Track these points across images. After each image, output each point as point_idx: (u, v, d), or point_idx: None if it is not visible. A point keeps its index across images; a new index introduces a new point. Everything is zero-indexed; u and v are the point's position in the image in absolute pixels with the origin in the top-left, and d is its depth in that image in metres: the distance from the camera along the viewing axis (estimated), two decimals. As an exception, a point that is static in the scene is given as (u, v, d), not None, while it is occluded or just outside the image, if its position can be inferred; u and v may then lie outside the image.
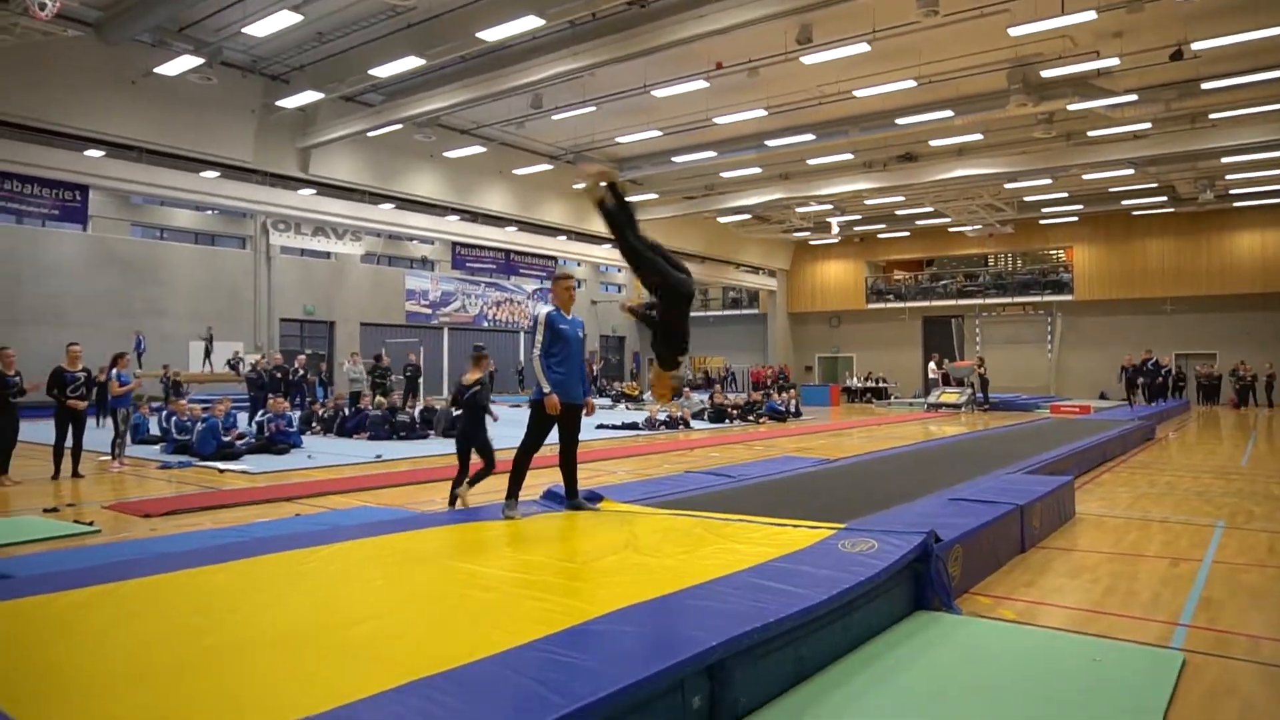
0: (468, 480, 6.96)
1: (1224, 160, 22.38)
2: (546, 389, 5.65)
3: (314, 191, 21.90)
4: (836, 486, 7.40)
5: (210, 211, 27.13)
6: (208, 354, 24.12)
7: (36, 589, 3.71)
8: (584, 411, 6.00)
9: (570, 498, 6.01)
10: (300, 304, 29.21)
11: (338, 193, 22.26)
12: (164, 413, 13.89)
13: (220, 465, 10.92)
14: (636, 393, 27.80)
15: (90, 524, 6.86)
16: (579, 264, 35.79)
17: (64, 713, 2.44)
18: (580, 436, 5.98)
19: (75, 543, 6.15)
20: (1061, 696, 3.33)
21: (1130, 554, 5.98)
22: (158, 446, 12.85)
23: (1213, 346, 29.67)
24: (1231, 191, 26.63)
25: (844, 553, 4.36)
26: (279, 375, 17.28)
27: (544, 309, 5.87)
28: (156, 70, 16.07)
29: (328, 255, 29.76)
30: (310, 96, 17.82)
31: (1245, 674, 3.67)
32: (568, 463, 5.98)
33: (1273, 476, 10.33)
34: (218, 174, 19.81)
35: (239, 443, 12.22)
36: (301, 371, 18.42)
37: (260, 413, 14.02)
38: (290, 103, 18.20)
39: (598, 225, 24.97)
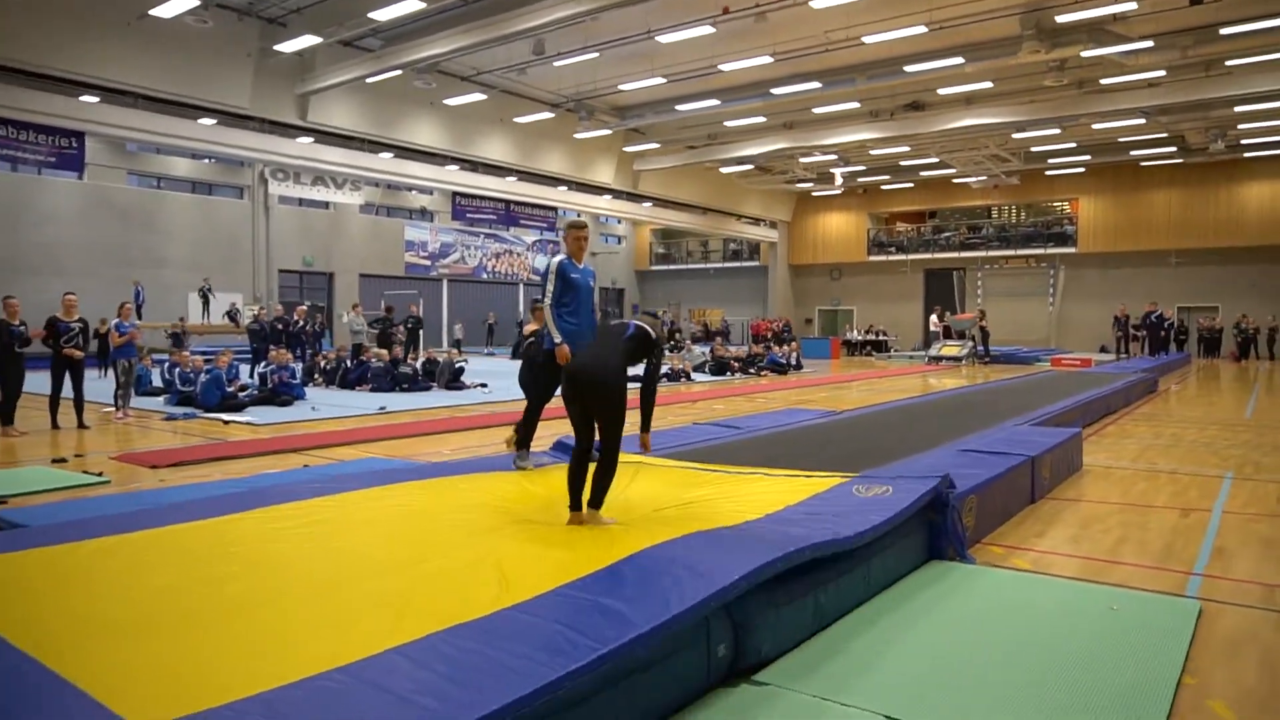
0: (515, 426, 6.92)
1: (1237, 109, 22.01)
2: (558, 339, 5.57)
3: (312, 140, 21.56)
4: (844, 438, 7.40)
5: (207, 160, 26.78)
6: (206, 305, 24.01)
7: (56, 538, 3.70)
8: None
9: (582, 448, 5.99)
10: (299, 255, 29.00)
11: (337, 141, 21.91)
12: (166, 364, 13.85)
13: (225, 416, 10.91)
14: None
15: (99, 474, 6.86)
16: (579, 214, 35.47)
17: (96, 658, 2.43)
18: None
19: (85, 493, 6.14)
20: (1081, 645, 3.33)
21: (1140, 505, 6.00)
22: (161, 398, 12.84)
23: (1216, 299, 29.54)
24: (1243, 142, 26.26)
25: (859, 496, 4.36)
26: (280, 327, 17.18)
27: (555, 258, 5.79)
28: (151, 12, 15.67)
29: (326, 205, 29.46)
30: (308, 41, 17.42)
31: (1262, 621, 3.69)
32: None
33: (1279, 428, 10.34)
34: (214, 121, 19.46)
35: (242, 394, 12.19)
36: (302, 323, 18.33)
37: (263, 364, 13.98)
38: (288, 47, 17.80)
39: (599, 175, 24.63)
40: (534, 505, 4.55)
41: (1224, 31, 16.68)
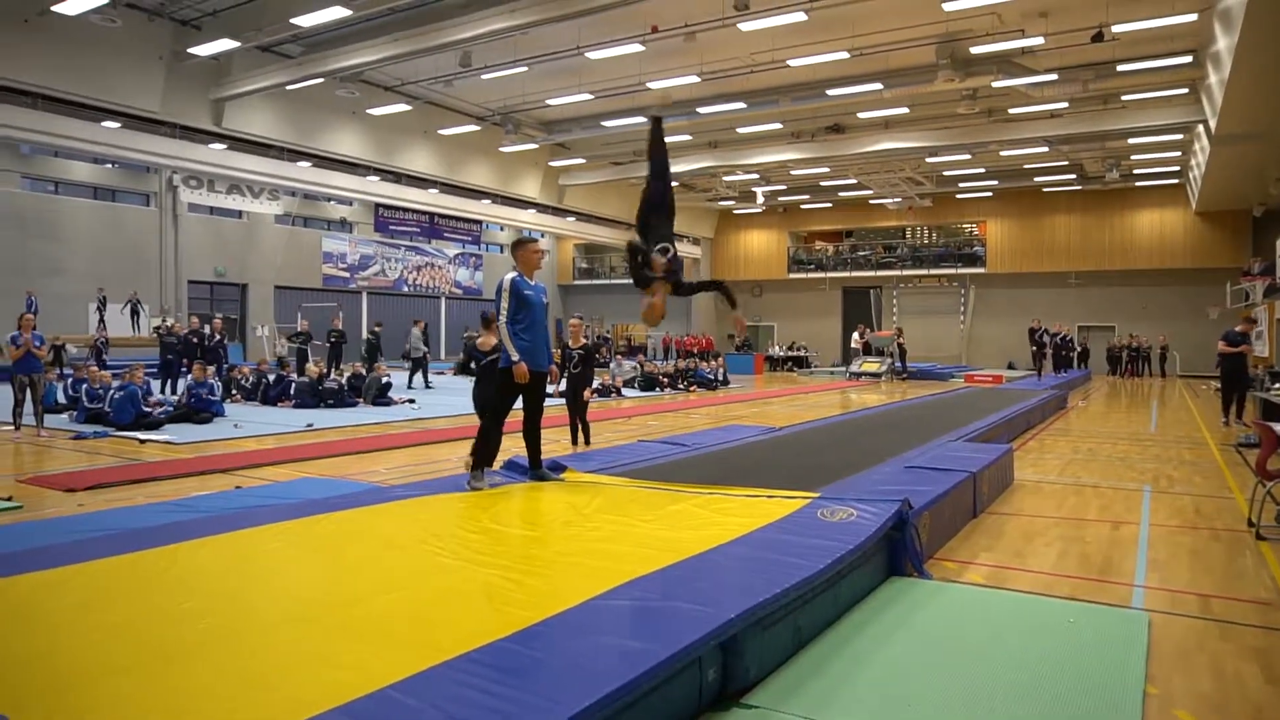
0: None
1: (1130, 141, 23.46)
2: (515, 356, 5.51)
3: (226, 146, 20.80)
4: (790, 454, 7.50)
5: (111, 165, 25.47)
6: (135, 318, 22.75)
7: (-13, 572, 3.42)
8: (548, 379, 5.90)
9: (534, 468, 5.91)
10: (210, 265, 27.83)
11: (253, 148, 21.20)
12: (70, 379, 13.08)
13: (140, 435, 10.35)
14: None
15: (9, 499, 6.40)
16: (501, 228, 35.21)
17: (59, 709, 2.24)
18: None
19: (-3, 519, 5.72)
20: (1047, 657, 3.45)
21: (1073, 518, 6.26)
22: (65, 415, 12.10)
23: (1112, 319, 31.32)
24: (1135, 171, 27.99)
25: (825, 521, 4.41)
26: (195, 340, 16.45)
27: (508, 275, 5.72)
28: (55, 9, 14.87)
29: (239, 214, 28.40)
30: (224, 45, 16.86)
31: (1205, 631, 3.89)
32: (532, 431, 5.87)
33: (1181, 442, 10.98)
34: (120, 124, 18.57)
35: (157, 411, 11.60)
36: (217, 336, 17.57)
37: (187, 379, 13.34)
38: (202, 51, 17.17)
39: (523, 189, 24.48)
40: (499, 531, 4.45)
41: (1121, 68, 17.75)
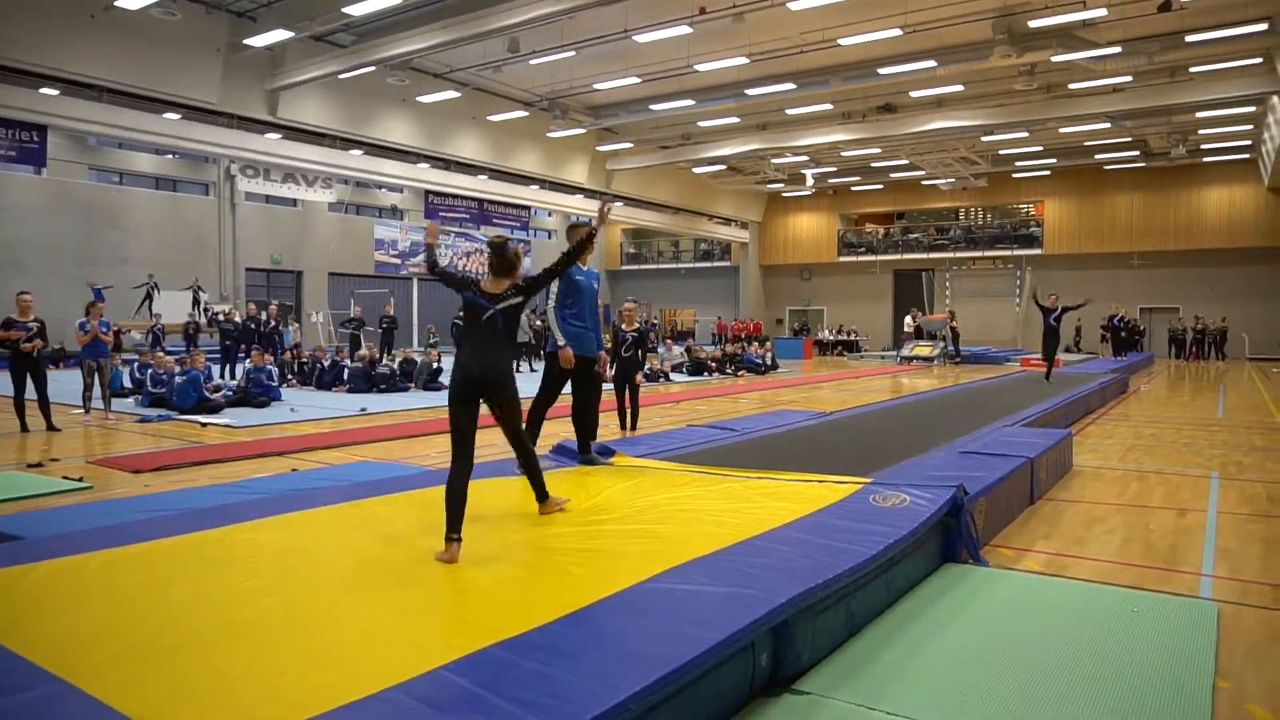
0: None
1: (1198, 115, 22.56)
2: (561, 342, 5.53)
3: (281, 136, 21.19)
4: (842, 440, 7.41)
5: (171, 155, 26.16)
6: (196, 304, 23.36)
7: (60, 550, 3.54)
8: (597, 366, 5.90)
9: (583, 452, 5.93)
10: (266, 253, 28.48)
11: (307, 137, 21.56)
12: (136, 364, 13.51)
13: (202, 419, 10.65)
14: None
15: (80, 479, 6.64)
16: (550, 214, 35.33)
17: (132, 681, 2.32)
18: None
19: (67, 499, 5.94)
20: (1110, 648, 3.35)
21: (1136, 505, 6.08)
22: (130, 400, 12.51)
23: (1176, 300, 30.28)
24: (1203, 147, 26.94)
25: (878, 507, 4.35)
26: (252, 326, 16.85)
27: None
28: (117, 4, 15.26)
29: (293, 203, 28.97)
30: (279, 35, 17.11)
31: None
32: (582, 417, 5.88)
33: (1251, 428, 10.59)
34: (180, 116, 19.03)
35: (217, 395, 11.92)
36: (274, 323, 17.98)
37: (247, 364, 13.68)
38: (258, 41, 17.47)
39: (572, 174, 24.49)
40: (557, 515, 4.47)
41: (1190, 39, 17.05)
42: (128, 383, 13.43)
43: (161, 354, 12.62)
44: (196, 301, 23.25)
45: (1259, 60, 18.47)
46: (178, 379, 11.47)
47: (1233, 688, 3.06)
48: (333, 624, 2.74)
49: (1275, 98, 19.25)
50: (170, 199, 26.59)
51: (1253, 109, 21.90)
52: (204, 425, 10.27)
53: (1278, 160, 23.26)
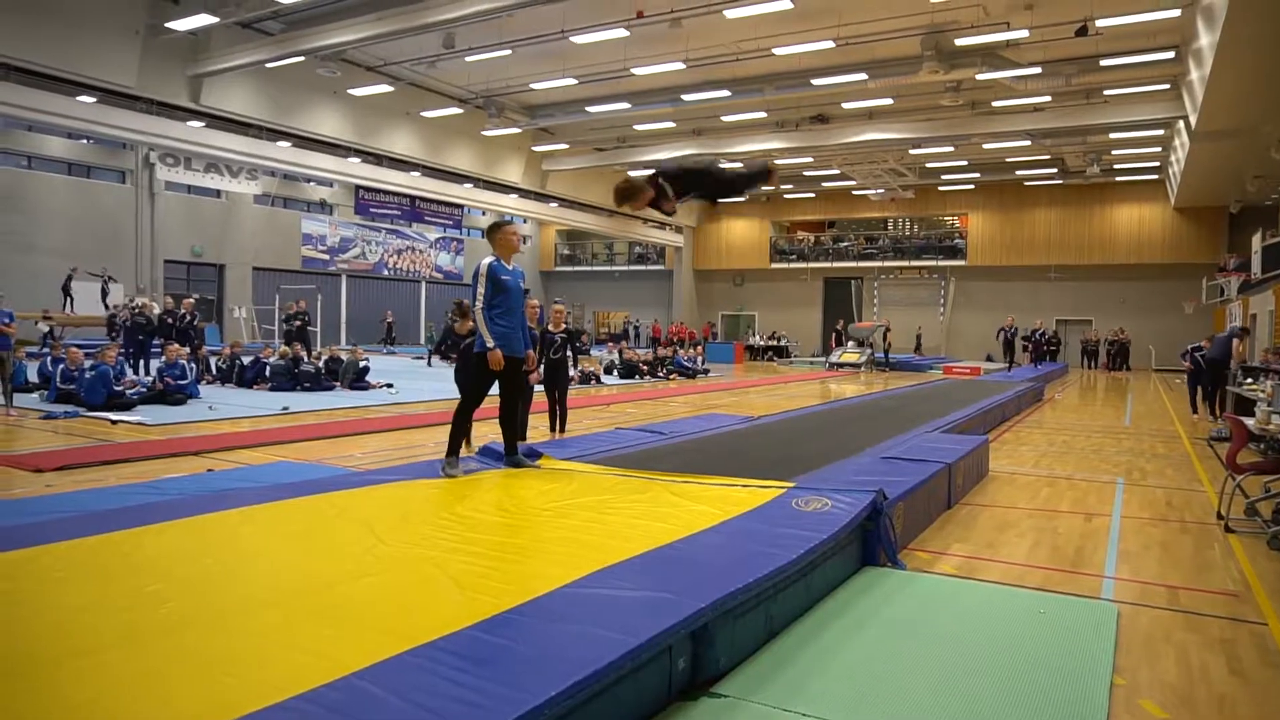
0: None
1: (1112, 136, 23.60)
2: (490, 343, 5.47)
3: (204, 124, 20.46)
4: (768, 444, 7.51)
5: (86, 140, 25.03)
6: (104, 295, 22.37)
7: (-55, 554, 3.35)
8: (524, 365, 5.85)
9: (509, 454, 5.87)
10: (187, 245, 27.47)
11: (232, 126, 20.86)
12: (48, 358, 12.87)
13: (112, 416, 10.21)
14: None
15: (-26, 479, 6.30)
16: (483, 213, 34.94)
17: (21, 690, 2.20)
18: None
19: (-39, 500, 5.62)
20: (1017, 648, 3.47)
21: (1046, 509, 6.31)
22: (35, 395, 11.92)
23: (1090, 313, 31.60)
24: (1115, 166, 28.20)
25: (800, 511, 4.41)
26: (169, 320, 16.19)
27: (485, 260, 5.65)
28: (27, -21, 14.56)
29: (217, 194, 28.03)
30: (203, 20, 16.51)
31: (1172, 622, 3.93)
32: (509, 418, 5.83)
33: (1155, 435, 11.11)
34: (95, 99, 18.21)
35: (130, 392, 11.44)
36: (189, 317, 17.28)
37: (160, 360, 13.16)
38: (181, 25, 16.82)
39: (506, 174, 24.19)
40: (474, 518, 4.41)
41: (1104, 63, 17.82)
42: (33, 377, 12.80)
43: (76, 349, 12.03)
44: (105, 293, 22.31)
45: (1167, 86, 19.43)
46: (87, 374, 10.97)
47: (1129, 684, 3.20)
48: (237, 631, 2.65)
49: (1181, 122, 20.26)
50: (83, 185, 25.42)
51: (1161, 132, 23.02)
52: (114, 423, 9.85)
53: (1183, 182, 24.48)
